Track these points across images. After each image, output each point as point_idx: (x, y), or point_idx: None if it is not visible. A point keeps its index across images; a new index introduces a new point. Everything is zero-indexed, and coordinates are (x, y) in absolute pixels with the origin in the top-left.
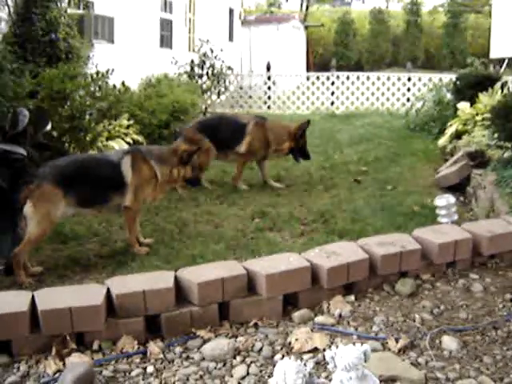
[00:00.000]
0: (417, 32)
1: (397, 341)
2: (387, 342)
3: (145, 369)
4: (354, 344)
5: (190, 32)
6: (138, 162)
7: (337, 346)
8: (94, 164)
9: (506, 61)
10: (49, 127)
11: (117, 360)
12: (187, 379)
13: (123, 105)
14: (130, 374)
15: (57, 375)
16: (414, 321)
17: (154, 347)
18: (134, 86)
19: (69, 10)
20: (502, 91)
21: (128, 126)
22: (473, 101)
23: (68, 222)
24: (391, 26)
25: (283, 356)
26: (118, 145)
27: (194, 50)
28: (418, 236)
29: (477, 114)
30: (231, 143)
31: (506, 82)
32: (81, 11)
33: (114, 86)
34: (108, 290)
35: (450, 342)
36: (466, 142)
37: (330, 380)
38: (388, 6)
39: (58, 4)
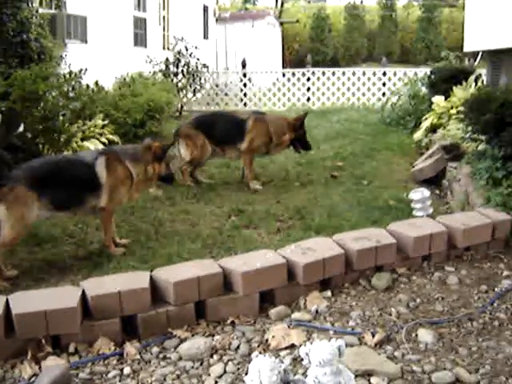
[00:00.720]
0: (392, 27)
1: (373, 335)
2: (363, 337)
3: (122, 370)
4: (330, 339)
5: (164, 30)
6: (113, 163)
7: (311, 343)
8: (68, 165)
9: (480, 54)
10: (21, 129)
11: (93, 362)
12: (164, 379)
13: (97, 105)
14: (106, 375)
15: (33, 379)
16: (391, 315)
17: (131, 348)
18: (108, 86)
19: (40, 10)
20: (476, 84)
21: (103, 126)
22: (447, 94)
23: (43, 224)
24: (366, 21)
25: (261, 353)
26: (93, 145)
27: (168, 48)
28: (394, 230)
29: (451, 108)
30: (229, 140)
31: (480, 75)
32: (53, 11)
33: (88, 85)
34: (83, 291)
35: (425, 335)
36: (441, 136)
37: (307, 376)
38: (363, 1)
39: (30, 4)
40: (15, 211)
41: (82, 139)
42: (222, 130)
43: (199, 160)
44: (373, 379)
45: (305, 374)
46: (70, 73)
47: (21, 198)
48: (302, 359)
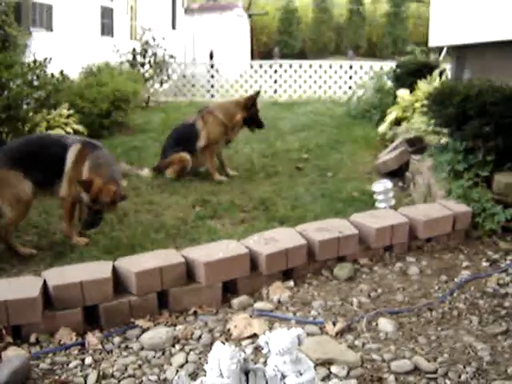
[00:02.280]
0: (360, 21)
1: (334, 324)
2: (325, 326)
3: (83, 360)
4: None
5: (131, 20)
6: (81, 156)
7: (271, 331)
8: (46, 145)
9: (445, 49)
10: None
11: (54, 352)
12: (126, 369)
13: (62, 94)
14: (67, 365)
15: None
16: (352, 304)
17: (93, 338)
18: (74, 75)
19: None
20: (441, 78)
21: (68, 116)
22: (412, 88)
23: None
24: (334, 15)
25: (223, 343)
26: None
27: (135, 39)
28: (356, 221)
29: (416, 101)
30: (192, 146)
31: (445, 70)
32: None
33: (53, 74)
34: (45, 281)
35: (386, 324)
36: (406, 129)
37: (267, 365)
38: None
39: None
40: (7, 193)
41: (47, 128)
42: (184, 140)
43: (183, 171)
44: (333, 368)
45: (266, 363)
46: (35, 61)
47: (8, 180)
48: (263, 348)
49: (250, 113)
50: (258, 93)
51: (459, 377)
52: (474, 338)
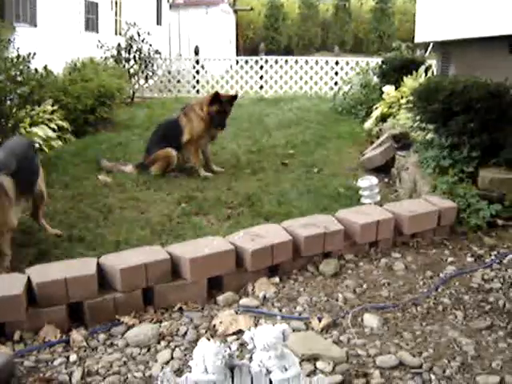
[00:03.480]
0: (346, 16)
1: (320, 320)
2: (310, 322)
3: (67, 357)
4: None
5: (116, 15)
6: None
7: (256, 328)
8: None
9: (431, 45)
10: None
11: (39, 350)
12: (111, 366)
13: (46, 90)
14: (52, 363)
15: None
16: (337, 300)
17: (77, 335)
18: (58, 71)
19: None
20: (426, 75)
21: (52, 112)
22: (398, 84)
23: None
24: (320, 11)
25: (208, 339)
26: (43, 131)
27: (120, 34)
28: (341, 217)
29: (401, 97)
30: (176, 142)
31: (431, 66)
32: None
33: (36, 70)
34: (29, 278)
35: (371, 320)
36: (391, 125)
37: (252, 360)
38: None
39: None
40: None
41: (31, 125)
42: (170, 136)
43: (166, 168)
44: (318, 363)
45: (251, 359)
46: (18, 56)
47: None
48: (248, 344)
49: (210, 110)
50: (235, 96)
51: (444, 372)
52: (459, 333)
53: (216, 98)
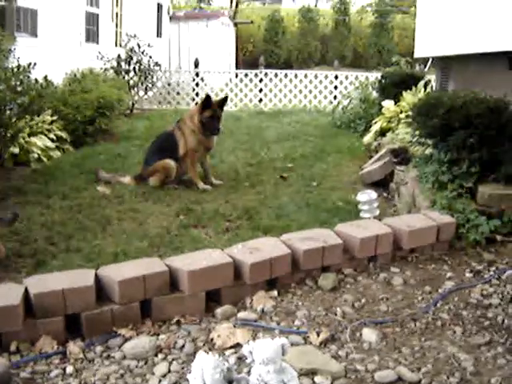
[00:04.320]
0: (345, 31)
1: (318, 334)
2: (309, 336)
3: (64, 369)
4: (273, 339)
5: (117, 27)
6: None
7: (254, 341)
8: None
9: (430, 60)
10: None
11: (35, 361)
12: (107, 378)
13: (46, 100)
14: (48, 374)
15: None
16: (336, 314)
17: (74, 347)
18: (58, 81)
19: None
20: (426, 90)
21: (51, 122)
22: (397, 99)
23: None
24: (320, 25)
25: (206, 353)
26: (41, 141)
27: (120, 45)
28: (340, 231)
29: (401, 112)
30: (174, 154)
31: (430, 81)
32: (2, 3)
33: (37, 80)
34: (26, 289)
35: (370, 335)
36: (390, 139)
37: (250, 374)
38: (317, 4)
39: None
40: None
41: (30, 135)
42: (166, 148)
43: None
44: (317, 378)
45: (249, 373)
46: (19, 66)
47: None
48: (246, 358)
49: (202, 117)
50: (225, 98)
51: None
52: (458, 349)
53: (208, 102)
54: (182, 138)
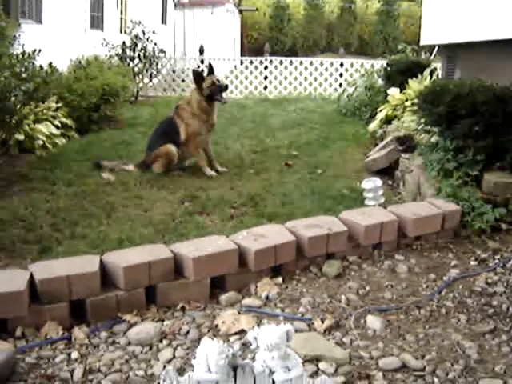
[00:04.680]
0: (351, 18)
1: (322, 321)
2: (313, 323)
3: (69, 354)
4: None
5: (121, 13)
6: None
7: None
8: None
9: (436, 48)
10: None
11: (40, 346)
12: (112, 364)
13: (51, 87)
14: (53, 360)
15: None
16: (340, 301)
17: (79, 332)
18: (63, 68)
19: None
20: (431, 77)
21: (56, 109)
22: (403, 87)
23: None
24: (326, 12)
25: (212, 339)
26: (46, 128)
27: (125, 32)
28: (345, 218)
29: (406, 100)
30: (175, 139)
31: (436, 69)
32: None
33: (41, 67)
34: (31, 275)
35: (374, 322)
36: (396, 127)
37: (255, 360)
38: None
39: None
40: None
41: (35, 121)
42: (165, 132)
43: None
44: (321, 364)
45: (254, 359)
46: (24, 53)
47: None
48: (251, 344)
49: (204, 88)
50: (210, 65)
51: (447, 374)
52: (462, 337)
53: (198, 74)
54: (183, 123)
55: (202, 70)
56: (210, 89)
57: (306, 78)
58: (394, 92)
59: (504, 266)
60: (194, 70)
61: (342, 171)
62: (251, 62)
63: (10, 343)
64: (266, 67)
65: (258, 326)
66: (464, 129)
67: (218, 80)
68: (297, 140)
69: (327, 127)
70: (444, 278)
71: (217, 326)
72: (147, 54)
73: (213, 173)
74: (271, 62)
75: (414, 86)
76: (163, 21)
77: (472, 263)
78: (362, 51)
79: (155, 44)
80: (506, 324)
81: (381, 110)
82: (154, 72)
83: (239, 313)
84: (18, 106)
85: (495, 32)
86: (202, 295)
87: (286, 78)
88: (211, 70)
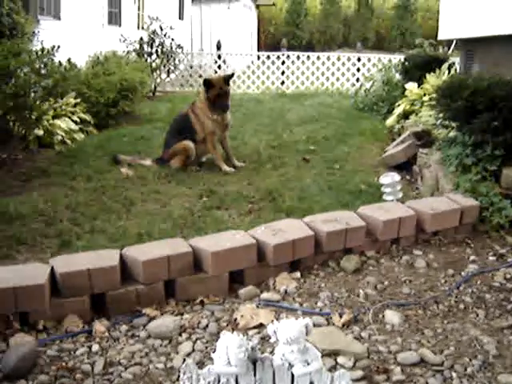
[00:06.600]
0: (368, 13)
1: (341, 316)
2: (331, 317)
3: (90, 347)
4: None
5: (139, 9)
6: None
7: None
8: None
9: (454, 42)
10: None
11: (61, 339)
12: (132, 357)
13: (69, 83)
14: (74, 352)
15: (0, 356)
16: (358, 296)
17: (100, 326)
18: (81, 64)
19: None
20: (449, 72)
21: (75, 105)
22: (420, 81)
23: (12, 202)
24: (343, 7)
25: (231, 332)
26: (65, 124)
27: (143, 28)
28: (363, 213)
29: (424, 95)
30: (192, 135)
31: (454, 63)
32: None
33: (60, 63)
34: (52, 268)
35: (392, 316)
36: (413, 122)
37: (274, 354)
38: None
39: None
40: None
41: (54, 117)
42: (181, 128)
43: (186, 161)
44: (339, 359)
45: (272, 353)
46: (43, 49)
47: None
48: (270, 338)
49: (209, 97)
50: (232, 75)
51: (465, 370)
52: (481, 332)
53: (208, 83)
54: (198, 122)
55: (219, 66)
56: (214, 99)
57: (323, 73)
58: (411, 87)
59: None
60: (204, 79)
61: (359, 166)
62: (268, 57)
63: (31, 336)
64: (283, 62)
65: (277, 320)
66: (483, 124)
67: (226, 93)
68: (314, 135)
69: (345, 122)
70: (462, 274)
71: (235, 319)
72: (165, 49)
73: (229, 169)
74: (288, 57)
75: (432, 80)
76: (180, 16)
77: (490, 258)
78: (379, 46)
79: (172, 39)
80: None
81: (398, 105)
82: (172, 67)
83: (258, 307)
84: (38, 102)
85: None
86: (220, 289)
87: (303, 73)
88: (227, 80)
